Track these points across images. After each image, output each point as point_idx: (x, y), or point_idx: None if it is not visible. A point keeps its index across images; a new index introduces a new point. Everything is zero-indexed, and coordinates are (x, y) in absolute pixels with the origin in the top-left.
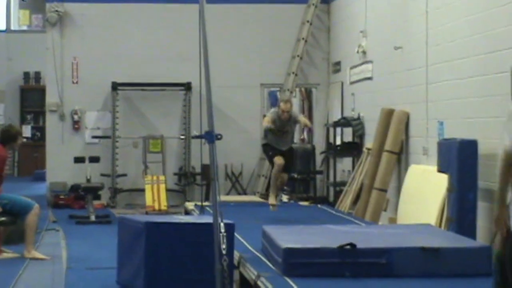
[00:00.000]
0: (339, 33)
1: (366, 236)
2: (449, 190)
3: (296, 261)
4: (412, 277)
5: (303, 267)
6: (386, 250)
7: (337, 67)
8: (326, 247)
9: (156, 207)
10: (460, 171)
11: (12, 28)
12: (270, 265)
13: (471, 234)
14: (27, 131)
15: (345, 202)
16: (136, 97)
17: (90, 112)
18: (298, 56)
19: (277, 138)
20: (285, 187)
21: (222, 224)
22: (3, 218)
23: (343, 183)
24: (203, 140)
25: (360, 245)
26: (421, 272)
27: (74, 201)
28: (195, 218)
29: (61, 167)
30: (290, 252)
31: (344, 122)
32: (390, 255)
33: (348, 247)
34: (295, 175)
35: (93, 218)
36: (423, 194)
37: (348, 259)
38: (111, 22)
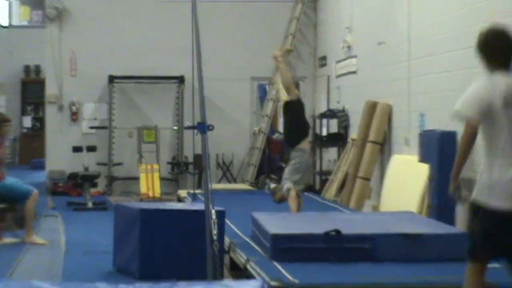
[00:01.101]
0: (325, 29)
1: (351, 223)
2: (430, 179)
3: (284, 247)
4: (394, 262)
5: (290, 252)
6: (370, 236)
7: (323, 61)
8: (313, 233)
9: (150, 194)
10: (440, 161)
11: (13, 23)
12: (259, 250)
13: (451, 220)
14: (27, 121)
15: (331, 190)
16: (132, 90)
17: (87, 104)
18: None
19: None
20: (273, 176)
21: (213, 211)
22: (2, 205)
23: (329, 172)
24: (196, 131)
25: (344, 231)
26: (403, 257)
27: (72, 188)
28: (187, 206)
29: (59, 156)
30: (278, 238)
31: (330, 114)
32: (373, 241)
33: (333, 233)
34: (283, 165)
35: (90, 205)
36: (405, 183)
37: (333, 245)
38: (108, 17)
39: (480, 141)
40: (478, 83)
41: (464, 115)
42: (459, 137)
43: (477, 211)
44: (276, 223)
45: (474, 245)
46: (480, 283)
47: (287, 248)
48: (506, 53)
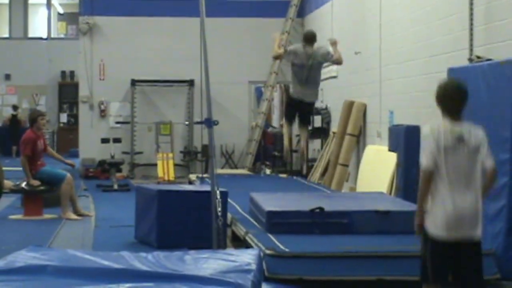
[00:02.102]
0: None
1: (332, 201)
2: (398, 165)
3: (277, 221)
4: (367, 234)
5: (282, 226)
6: (347, 212)
7: None
8: (300, 210)
9: (166, 178)
10: (406, 151)
11: (52, 36)
12: (256, 224)
13: (415, 200)
14: (64, 118)
15: (315, 175)
16: (150, 91)
17: (113, 103)
18: None
19: (301, 86)
20: (267, 163)
21: (218, 192)
22: (42, 187)
23: (314, 160)
24: (203, 125)
25: (327, 208)
26: (375, 230)
27: (101, 173)
28: (197, 187)
29: (90, 146)
30: (272, 214)
31: (315, 111)
32: (350, 216)
33: (317, 210)
34: (275, 153)
35: (116, 186)
36: (377, 169)
37: (318, 220)
38: (131, 31)
39: None
40: (428, 128)
41: (422, 165)
42: (421, 130)
43: (425, 238)
44: (270, 202)
45: (423, 270)
46: None
47: (279, 223)
48: (456, 105)
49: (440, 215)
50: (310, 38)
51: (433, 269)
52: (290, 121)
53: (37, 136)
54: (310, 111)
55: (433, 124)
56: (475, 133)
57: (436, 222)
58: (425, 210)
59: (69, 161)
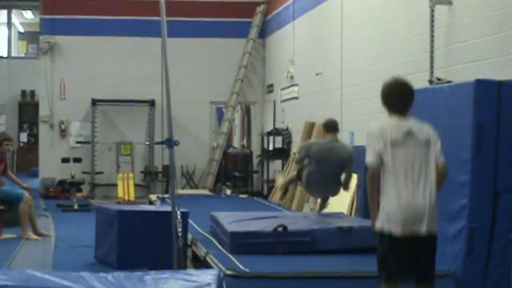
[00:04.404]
0: (272, 61)
1: (294, 220)
2: (358, 186)
3: (240, 242)
4: (331, 252)
5: (246, 246)
6: (310, 230)
7: (270, 88)
8: (264, 231)
9: (126, 198)
10: (366, 172)
11: (12, 55)
12: (218, 244)
13: None
14: (24, 137)
15: (276, 196)
16: (111, 111)
17: (74, 122)
18: (240, 79)
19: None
20: (227, 183)
21: (178, 212)
22: (1, 207)
23: (274, 181)
24: (164, 146)
25: (289, 227)
26: (338, 247)
27: (61, 193)
28: (157, 208)
29: (50, 166)
30: (235, 235)
31: (275, 132)
32: (313, 234)
33: (280, 228)
34: (236, 174)
35: (76, 207)
36: None
37: (281, 239)
38: (92, 51)
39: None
40: (374, 126)
41: (367, 162)
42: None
43: (381, 236)
44: (233, 222)
45: (379, 268)
46: None
47: (243, 243)
48: (402, 101)
49: (393, 210)
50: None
51: (394, 266)
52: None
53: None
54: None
55: (380, 122)
56: (424, 128)
57: (390, 218)
58: (378, 208)
59: (25, 184)
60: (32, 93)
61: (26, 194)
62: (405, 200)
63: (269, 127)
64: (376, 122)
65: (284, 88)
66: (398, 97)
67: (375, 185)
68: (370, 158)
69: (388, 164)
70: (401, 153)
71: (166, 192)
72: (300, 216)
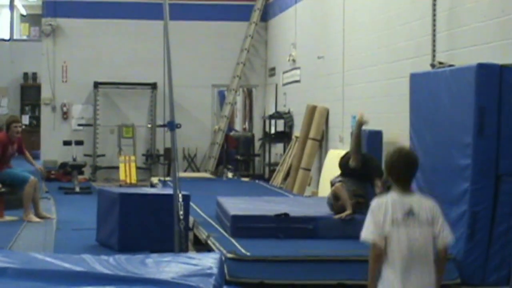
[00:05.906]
0: (274, 45)
1: (296, 206)
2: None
3: (241, 225)
4: (332, 239)
5: (247, 230)
6: (313, 218)
7: (272, 72)
8: (266, 215)
9: (128, 181)
10: None
11: (15, 37)
12: (219, 228)
13: None
14: (25, 119)
15: (277, 179)
16: (113, 94)
17: (76, 105)
18: (241, 63)
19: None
20: (229, 166)
21: (180, 195)
22: (3, 189)
23: (276, 164)
24: (166, 128)
25: (292, 214)
26: (339, 235)
27: (62, 175)
28: (159, 190)
29: (52, 149)
30: (236, 218)
31: (277, 115)
32: (315, 222)
33: (283, 216)
34: (238, 157)
35: (77, 189)
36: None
37: (283, 225)
38: (94, 34)
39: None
40: (375, 202)
41: (369, 241)
42: (383, 135)
43: None
44: (236, 206)
45: None
46: None
47: (244, 227)
48: (405, 174)
49: None
50: None
51: None
52: None
53: (9, 141)
54: None
55: (381, 198)
56: (425, 205)
57: None
58: None
59: (39, 166)
60: (34, 75)
61: (32, 177)
62: (403, 286)
63: (271, 110)
64: (378, 197)
65: (286, 72)
66: (400, 170)
67: (378, 266)
68: (371, 235)
69: (387, 245)
70: (401, 234)
71: (168, 175)
72: (303, 200)
